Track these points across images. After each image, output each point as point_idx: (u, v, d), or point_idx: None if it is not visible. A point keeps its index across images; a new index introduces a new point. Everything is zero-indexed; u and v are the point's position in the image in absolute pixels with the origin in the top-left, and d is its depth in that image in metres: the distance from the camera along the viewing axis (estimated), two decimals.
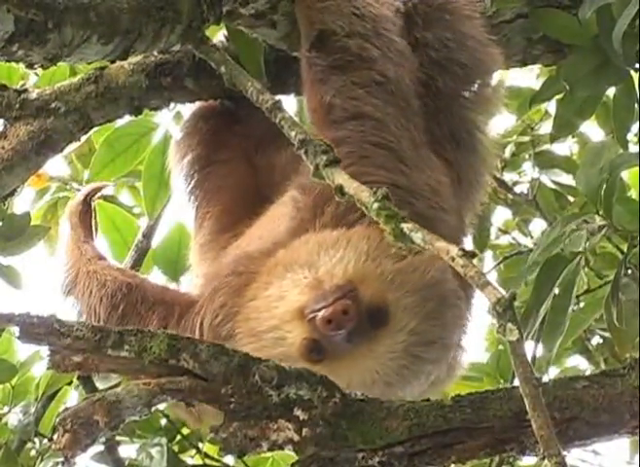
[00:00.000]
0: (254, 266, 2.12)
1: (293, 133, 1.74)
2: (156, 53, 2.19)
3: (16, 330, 1.60)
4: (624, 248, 2.27)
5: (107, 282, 2.27)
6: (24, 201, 3.47)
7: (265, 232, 2.24)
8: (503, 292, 1.37)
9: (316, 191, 2.09)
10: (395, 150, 2.11)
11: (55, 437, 1.57)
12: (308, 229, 2.09)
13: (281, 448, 1.67)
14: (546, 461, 1.37)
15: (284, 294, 2.00)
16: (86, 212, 2.47)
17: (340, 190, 1.58)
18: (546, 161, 3.60)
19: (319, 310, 1.87)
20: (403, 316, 1.96)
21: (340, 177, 1.59)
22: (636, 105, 2.30)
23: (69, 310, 2.32)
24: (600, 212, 2.11)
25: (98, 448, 2.96)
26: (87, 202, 2.49)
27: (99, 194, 2.57)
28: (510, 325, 1.35)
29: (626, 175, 2.79)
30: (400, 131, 2.14)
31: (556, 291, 2.09)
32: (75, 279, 2.32)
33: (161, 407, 2.06)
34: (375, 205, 1.49)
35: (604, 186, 2.08)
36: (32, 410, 2.89)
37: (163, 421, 3.03)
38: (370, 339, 1.94)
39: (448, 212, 2.10)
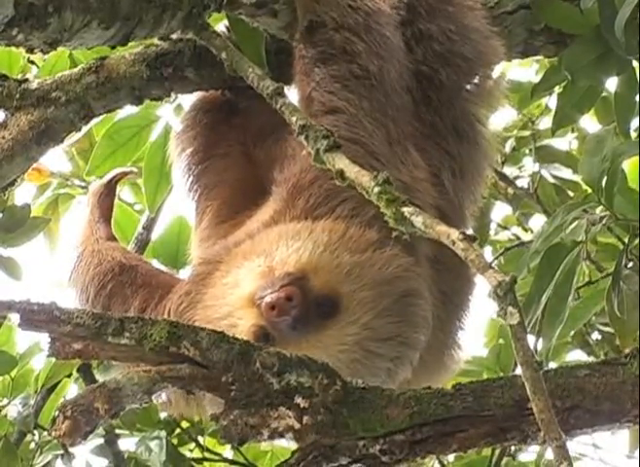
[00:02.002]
0: (222, 255, 2.14)
1: (294, 119, 1.74)
2: (156, 40, 2.19)
3: (16, 317, 1.60)
4: (626, 240, 2.26)
5: (104, 262, 2.29)
6: (25, 197, 3.47)
7: (252, 224, 2.24)
8: (504, 276, 1.36)
9: (290, 183, 2.12)
10: (367, 145, 2.10)
11: (55, 424, 1.56)
12: (279, 221, 2.11)
13: (282, 435, 1.66)
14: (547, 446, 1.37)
15: (239, 281, 2.02)
16: (106, 195, 2.50)
17: (341, 174, 1.58)
18: (546, 156, 3.60)
19: (265, 296, 1.87)
20: (356, 309, 1.95)
21: (341, 162, 1.59)
22: (637, 95, 2.30)
23: (68, 300, 2.33)
24: (602, 201, 2.10)
25: (98, 441, 2.97)
26: (110, 185, 2.52)
27: (124, 178, 2.61)
28: (510, 308, 1.34)
29: (626, 167, 2.78)
30: (373, 127, 2.14)
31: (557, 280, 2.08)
32: (80, 257, 2.36)
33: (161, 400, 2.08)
34: (376, 189, 1.49)
35: (605, 176, 2.08)
36: (32, 402, 2.89)
37: (163, 414, 3.03)
38: (317, 328, 1.94)
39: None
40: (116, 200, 2.59)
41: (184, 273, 2.72)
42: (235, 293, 2.01)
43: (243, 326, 1.97)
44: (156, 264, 2.82)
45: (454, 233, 1.37)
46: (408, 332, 2.01)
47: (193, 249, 2.60)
